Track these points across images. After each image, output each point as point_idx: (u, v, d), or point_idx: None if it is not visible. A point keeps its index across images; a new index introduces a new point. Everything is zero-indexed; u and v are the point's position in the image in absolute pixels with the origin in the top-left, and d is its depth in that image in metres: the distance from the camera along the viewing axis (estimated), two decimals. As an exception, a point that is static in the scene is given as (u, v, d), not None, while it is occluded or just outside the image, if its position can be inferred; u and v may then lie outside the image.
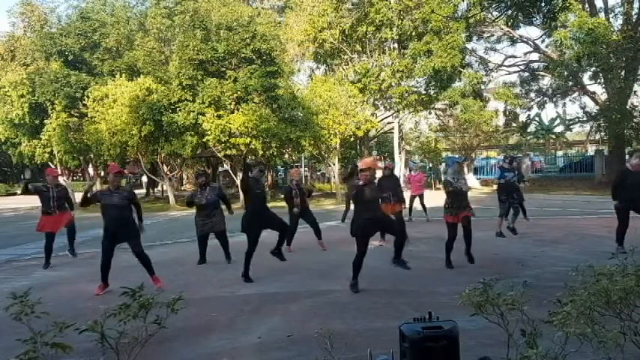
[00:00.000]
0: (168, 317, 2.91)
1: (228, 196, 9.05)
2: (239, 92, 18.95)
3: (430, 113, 29.64)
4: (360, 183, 6.04)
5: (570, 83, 25.34)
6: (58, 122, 22.24)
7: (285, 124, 19.55)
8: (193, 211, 8.42)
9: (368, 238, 6.09)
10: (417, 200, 13.17)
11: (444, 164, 20.16)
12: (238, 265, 7.85)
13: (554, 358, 2.52)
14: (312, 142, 21.39)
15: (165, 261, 8.18)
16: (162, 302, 2.93)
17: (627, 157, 26.92)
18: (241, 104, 19.18)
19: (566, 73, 21.94)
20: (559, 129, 32.30)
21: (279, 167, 32.49)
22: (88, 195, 6.47)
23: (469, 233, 7.08)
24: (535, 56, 28.72)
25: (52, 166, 25.31)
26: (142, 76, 21.04)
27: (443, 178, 12.41)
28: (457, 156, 30.25)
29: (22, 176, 35.05)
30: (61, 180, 13.95)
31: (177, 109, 19.03)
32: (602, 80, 24.18)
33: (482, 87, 25.88)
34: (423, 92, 24.84)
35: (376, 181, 6.51)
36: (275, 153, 20.64)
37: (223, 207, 8.44)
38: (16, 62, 24.75)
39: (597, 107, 25.48)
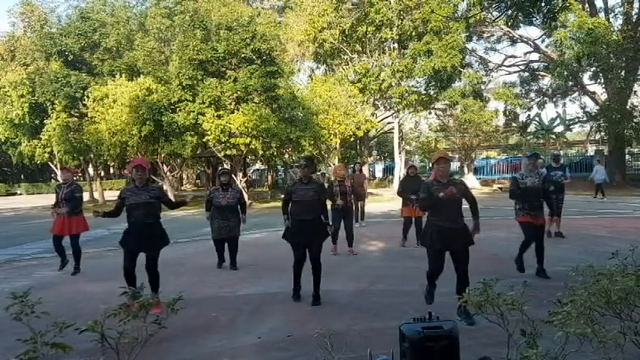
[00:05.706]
0: (168, 317, 2.90)
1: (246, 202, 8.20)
2: (239, 92, 18.94)
3: (430, 113, 29.68)
4: (432, 179, 4.75)
5: (570, 83, 25.34)
6: (58, 122, 22.27)
7: (285, 124, 19.53)
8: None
9: (444, 252, 4.71)
10: None
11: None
12: (238, 265, 7.87)
13: (554, 358, 2.52)
14: (312, 142, 21.38)
15: (166, 261, 8.11)
16: (162, 302, 2.92)
17: (627, 157, 26.94)
18: (241, 104, 19.16)
19: (566, 73, 21.94)
20: (559, 129, 32.31)
21: (279, 167, 32.51)
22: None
23: (541, 245, 6.22)
24: (535, 56, 28.74)
25: (52, 166, 25.37)
26: (142, 76, 21.04)
27: None
28: (457, 156, 30.30)
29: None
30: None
31: (177, 109, 19.01)
32: (602, 80, 24.18)
33: (483, 87, 25.90)
34: (423, 92, 24.86)
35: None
36: (275, 153, 20.62)
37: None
38: (16, 62, 24.80)
39: (597, 107, 25.46)
